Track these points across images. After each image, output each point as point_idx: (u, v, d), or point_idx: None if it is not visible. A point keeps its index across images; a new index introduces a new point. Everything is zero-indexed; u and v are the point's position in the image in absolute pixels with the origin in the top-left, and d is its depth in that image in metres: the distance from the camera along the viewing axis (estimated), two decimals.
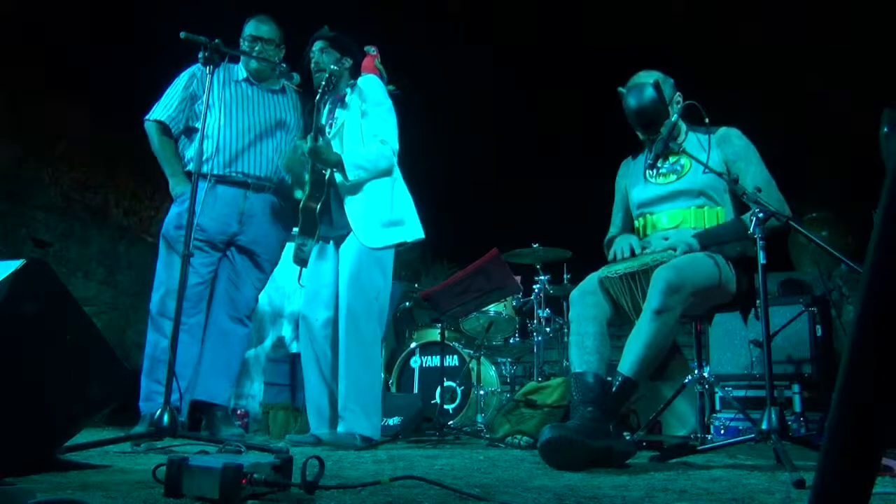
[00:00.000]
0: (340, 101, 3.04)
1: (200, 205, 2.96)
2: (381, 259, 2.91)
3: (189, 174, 3.08)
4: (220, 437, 2.81)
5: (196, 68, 3.14)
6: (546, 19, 6.66)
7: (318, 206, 2.94)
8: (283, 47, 3.22)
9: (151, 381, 2.89)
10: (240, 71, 3.21)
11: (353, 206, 2.90)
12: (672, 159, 2.64)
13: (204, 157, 3.01)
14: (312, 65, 3.05)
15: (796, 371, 3.73)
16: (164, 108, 3.11)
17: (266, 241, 3.16)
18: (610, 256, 2.58)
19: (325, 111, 3.06)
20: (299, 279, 3.11)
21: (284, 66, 3.07)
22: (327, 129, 3.02)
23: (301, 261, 3.03)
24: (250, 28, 3.17)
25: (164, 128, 3.11)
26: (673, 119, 2.61)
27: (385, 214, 2.92)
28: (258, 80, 3.22)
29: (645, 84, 2.59)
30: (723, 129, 2.61)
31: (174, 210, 3.08)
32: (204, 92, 3.06)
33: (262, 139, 3.14)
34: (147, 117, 3.14)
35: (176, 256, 2.98)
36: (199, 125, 3.04)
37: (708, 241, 2.44)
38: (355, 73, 3.10)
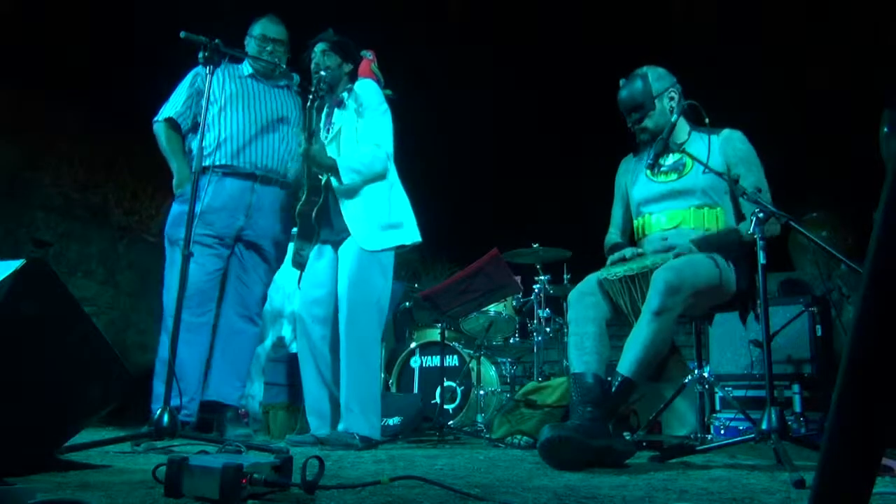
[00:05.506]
0: (338, 106, 3.05)
1: (207, 199, 2.97)
2: (381, 261, 2.91)
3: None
4: (227, 437, 2.81)
5: (200, 68, 3.14)
6: (546, 19, 6.66)
7: (315, 211, 2.95)
8: (289, 48, 3.23)
9: (162, 383, 2.88)
10: (245, 67, 3.23)
11: (351, 210, 2.91)
12: (675, 157, 2.64)
13: (211, 149, 3.03)
14: (313, 66, 3.05)
15: (796, 371, 3.73)
16: (171, 107, 3.12)
17: (272, 234, 3.15)
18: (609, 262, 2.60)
19: (323, 116, 3.07)
20: (299, 282, 3.11)
21: (284, 66, 3.07)
22: (325, 134, 3.03)
23: (299, 265, 3.03)
24: (261, 28, 3.18)
25: (172, 124, 3.11)
26: (673, 119, 2.61)
27: (383, 217, 2.93)
28: (264, 76, 3.23)
29: (635, 75, 2.68)
30: (727, 131, 2.61)
31: (176, 208, 3.07)
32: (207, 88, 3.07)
33: (269, 132, 3.14)
34: (155, 119, 3.15)
35: (180, 256, 2.97)
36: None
37: (704, 248, 2.45)
38: (353, 77, 3.11)
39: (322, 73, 2.94)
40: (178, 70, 3.18)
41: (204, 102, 2.57)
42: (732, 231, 2.49)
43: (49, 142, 4.95)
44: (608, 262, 2.58)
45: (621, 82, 2.72)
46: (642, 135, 2.68)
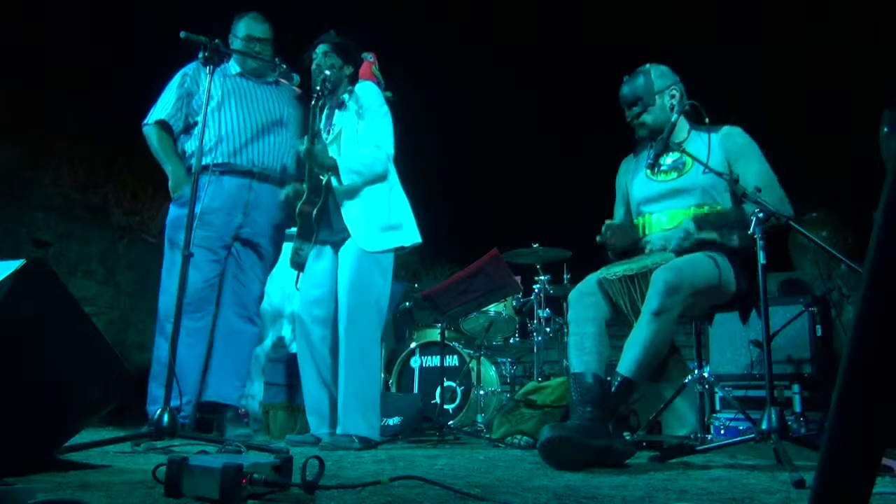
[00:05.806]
0: (338, 108, 3.05)
1: (206, 199, 2.96)
2: (380, 262, 2.91)
3: (191, 170, 3.07)
4: (227, 437, 2.81)
5: (188, 68, 3.13)
6: (546, 19, 6.66)
7: (316, 211, 2.95)
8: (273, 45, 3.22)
9: (158, 385, 2.88)
10: (232, 66, 3.20)
11: (351, 211, 2.91)
12: (674, 156, 2.64)
13: (207, 148, 3.01)
14: (314, 66, 3.05)
15: (796, 371, 3.73)
16: (161, 109, 3.09)
17: (270, 232, 3.15)
18: (601, 238, 2.62)
19: (324, 117, 3.07)
20: (297, 283, 3.10)
21: (284, 66, 3.06)
22: (325, 136, 3.03)
23: (298, 265, 3.03)
24: (247, 28, 3.15)
25: (164, 126, 3.09)
26: (673, 118, 2.61)
27: (383, 219, 2.93)
28: (253, 75, 3.22)
29: (638, 71, 2.71)
30: (725, 128, 2.62)
31: (175, 212, 3.05)
32: (198, 89, 3.06)
33: (264, 129, 3.13)
34: (145, 122, 3.12)
35: (179, 259, 2.97)
36: (199, 119, 3.04)
37: (706, 224, 2.44)
38: (354, 80, 3.10)
39: (327, 72, 2.95)
40: (179, 70, 3.17)
41: (203, 102, 2.56)
42: (736, 209, 2.47)
43: (49, 142, 4.95)
44: (604, 226, 2.59)
45: (625, 78, 2.74)
46: (641, 130, 2.68)
